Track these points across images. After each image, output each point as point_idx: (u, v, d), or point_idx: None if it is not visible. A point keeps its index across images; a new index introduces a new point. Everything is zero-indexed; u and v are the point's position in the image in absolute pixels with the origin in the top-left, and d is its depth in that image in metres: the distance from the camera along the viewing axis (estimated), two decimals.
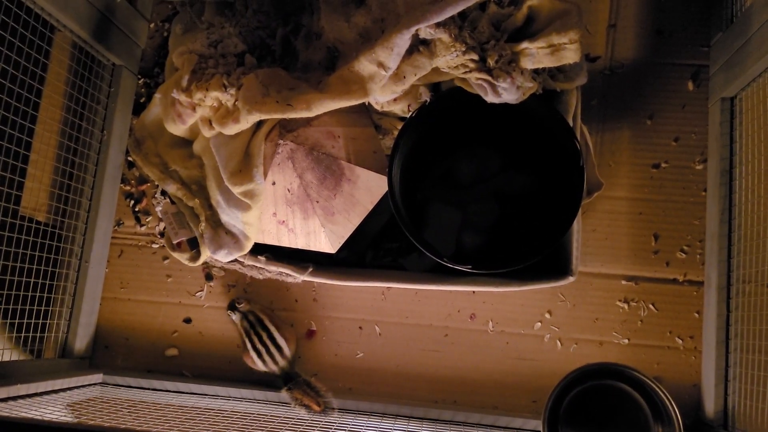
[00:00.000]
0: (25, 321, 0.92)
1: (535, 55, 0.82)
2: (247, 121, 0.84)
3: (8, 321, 0.91)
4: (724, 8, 0.99)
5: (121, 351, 1.04)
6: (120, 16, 1.02)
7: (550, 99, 0.88)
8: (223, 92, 0.85)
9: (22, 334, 0.92)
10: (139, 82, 1.09)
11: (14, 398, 0.84)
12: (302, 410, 0.94)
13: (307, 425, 0.89)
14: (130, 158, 1.08)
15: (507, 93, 0.82)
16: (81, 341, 1.01)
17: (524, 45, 0.82)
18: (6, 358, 0.89)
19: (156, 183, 1.01)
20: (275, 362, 0.96)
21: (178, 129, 0.92)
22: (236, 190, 0.86)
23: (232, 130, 0.85)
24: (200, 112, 0.87)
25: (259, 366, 0.97)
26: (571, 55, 0.82)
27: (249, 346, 0.97)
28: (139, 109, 1.08)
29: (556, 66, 0.84)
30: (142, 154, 0.97)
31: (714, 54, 1.01)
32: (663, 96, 1.02)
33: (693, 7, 1.04)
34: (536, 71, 0.84)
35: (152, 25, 1.11)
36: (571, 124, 0.87)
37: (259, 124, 0.88)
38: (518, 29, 0.85)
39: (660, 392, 0.82)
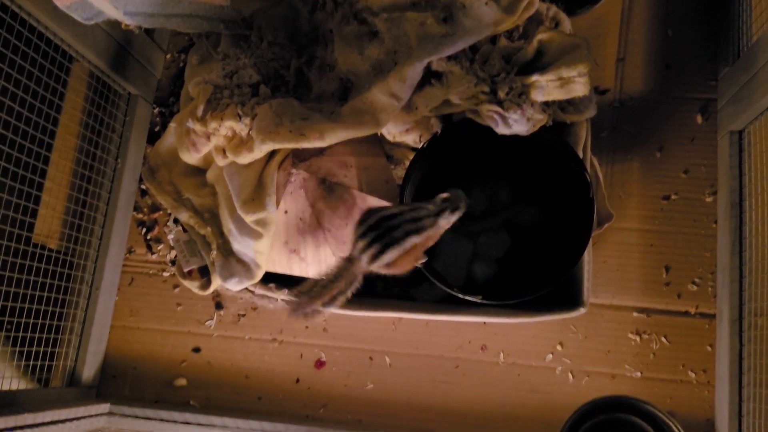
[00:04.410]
0: (33, 349, 0.92)
1: (545, 87, 0.83)
2: (260, 150, 0.85)
3: (17, 349, 0.90)
4: (731, 43, 1.00)
5: (128, 380, 1.03)
6: (137, 47, 1.04)
7: (560, 131, 0.89)
8: (238, 122, 0.86)
9: (30, 363, 0.92)
10: (154, 111, 1.11)
11: (21, 428, 0.83)
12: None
13: None
14: (143, 186, 1.09)
15: (517, 124, 0.83)
16: (89, 370, 1.00)
17: (534, 78, 0.83)
18: (14, 386, 0.88)
19: (168, 211, 1.02)
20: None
21: (192, 158, 0.93)
22: (249, 219, 0.86)
23: (245, 159, 0.86)
24: (214, 141, 0.88)
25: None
26: (580, 88, 0.83)
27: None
28: (153, 137, 1.09)
29: (566, 98, 0.85)
30: (156, 182, 0.98)
31: (722, 88, 1.02)
32: (672, 128, 1.03)
33: (700, 42, 1.05)
34: (546, 103, 0.85)
35: (168, 56, 1.13)
36: (581, 155, 0.87)
37: (273, 154, 0.89)
38: (528, 62, 0.86)
39: (674, 426, 0.81)
